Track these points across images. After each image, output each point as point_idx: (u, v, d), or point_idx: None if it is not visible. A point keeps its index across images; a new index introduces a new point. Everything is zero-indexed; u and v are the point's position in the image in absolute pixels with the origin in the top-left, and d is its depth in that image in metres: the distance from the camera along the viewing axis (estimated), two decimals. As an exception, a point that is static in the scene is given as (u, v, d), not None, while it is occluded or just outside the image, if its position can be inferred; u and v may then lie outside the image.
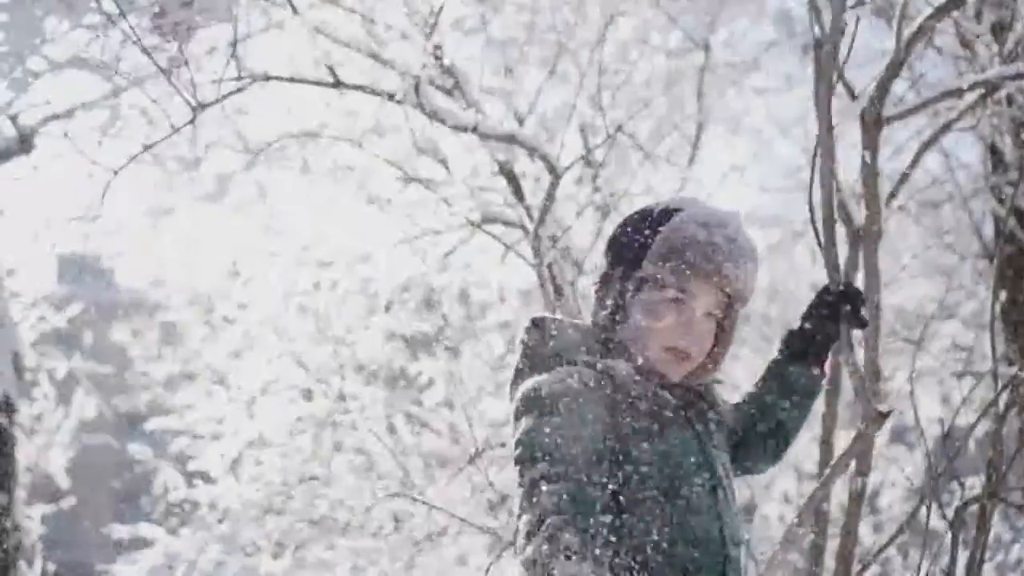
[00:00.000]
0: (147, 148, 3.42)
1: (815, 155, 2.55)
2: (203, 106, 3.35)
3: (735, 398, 2.46)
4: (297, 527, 6.07)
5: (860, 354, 2.88)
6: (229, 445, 6.37)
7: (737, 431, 2.36)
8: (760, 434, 2.41)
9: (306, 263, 6.12)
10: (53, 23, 3.39)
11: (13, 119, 6.04)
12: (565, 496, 1.92)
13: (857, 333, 2.54)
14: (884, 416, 2.62)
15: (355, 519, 5.56)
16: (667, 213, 2.17)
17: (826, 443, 4.93)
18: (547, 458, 1.96)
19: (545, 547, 1.87)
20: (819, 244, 2.55)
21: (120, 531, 7.01)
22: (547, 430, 1.98)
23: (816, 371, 2.45)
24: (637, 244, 2.16)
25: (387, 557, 5.45)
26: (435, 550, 5.45)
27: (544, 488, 1.93)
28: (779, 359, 2.46)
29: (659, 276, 2.12)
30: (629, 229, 2.20)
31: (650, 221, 2.17)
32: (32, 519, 8.45)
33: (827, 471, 2.79)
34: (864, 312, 2.44)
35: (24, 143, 6.34)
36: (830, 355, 2.48)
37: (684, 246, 2.11)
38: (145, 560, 6.64)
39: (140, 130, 3.47)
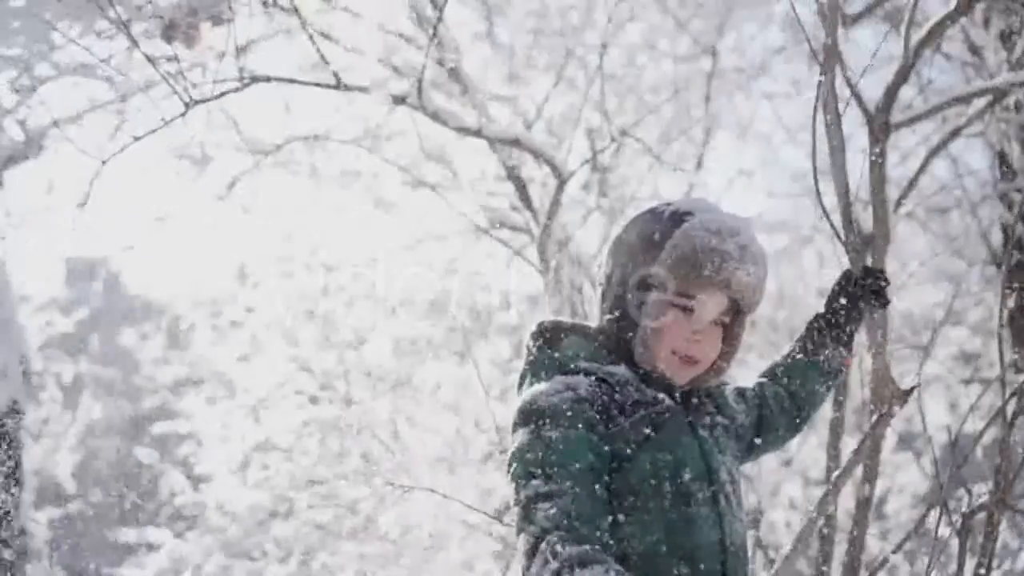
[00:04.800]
0: (137, 139, 3.49)
1: (831, 147, 2.56)
2: (196, 102, 3.40)
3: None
4: (303, 532, 6.07)
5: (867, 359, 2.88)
6: (235, 449, 6.37)
7: (762, 410, 2.36)
8: (785, 409, 2.40)
9: (313, 267, 6.12)
10: (61, 30, 3.42)
11: (22, 123, 6.04)
12: (561, 512, 1.91)
13: (861, 338, 2.53)
14: (908, 393, 2.63)
15: (360, 524, 5.56)
16: (677, 217, 2.10)
17: (834, 448, 4.93)
18: (541, 475, 1.94)
19: (552, 564, 1.87)
20: (836, 235, 2.56)
21: (126, 535, 7.02)
22: (540, 446, 1.96)
23: (843, 351, 2.45)
24: (645, 248, 2.09)
25: (393, 562, 5.45)
26: (441, 555, 5.44)
27: (540, 506, 1.92)
28: (805, 338, 2.47)
29: (668, 283, 2.06)
30: (636, 232, 2.13)
31: (659, 225, 2.10)
32: (39, 523, 8.44)
33: (851, 456, 2.78)
34: (888, 292, 2.45)
35: (32, 147, 6.35)
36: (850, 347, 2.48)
37: (695, 254, 2.05)
38: (151, 564, 6.65)
39: (141, 128, 3.53)
